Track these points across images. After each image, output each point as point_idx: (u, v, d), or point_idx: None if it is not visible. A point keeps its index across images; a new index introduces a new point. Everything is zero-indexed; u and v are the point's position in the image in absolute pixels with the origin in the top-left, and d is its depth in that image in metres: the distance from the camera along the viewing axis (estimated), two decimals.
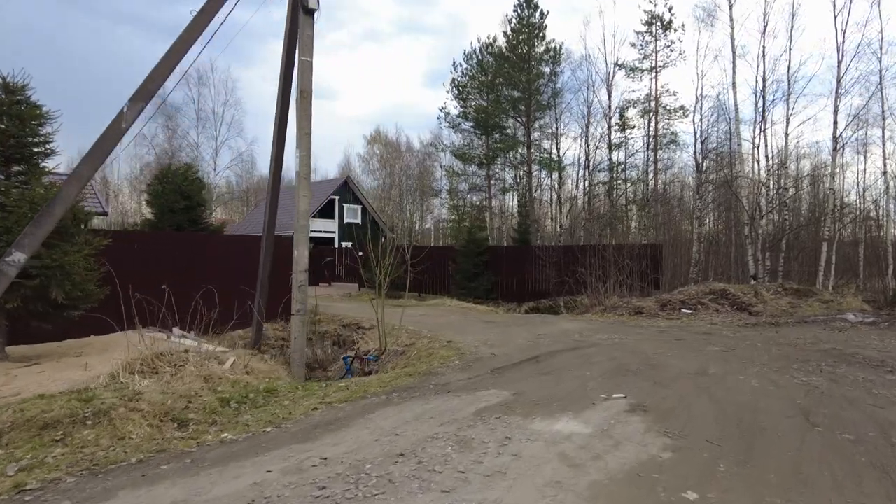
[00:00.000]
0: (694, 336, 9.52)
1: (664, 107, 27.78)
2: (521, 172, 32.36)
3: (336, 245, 37.55)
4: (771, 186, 21.99)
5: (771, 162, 21.64)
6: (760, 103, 20.95)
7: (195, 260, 11.27)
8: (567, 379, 6.21)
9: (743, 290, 15.82)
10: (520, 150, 31.38)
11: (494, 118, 30.33)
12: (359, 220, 42.41)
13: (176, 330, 10.46)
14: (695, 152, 25.23)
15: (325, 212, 40.27)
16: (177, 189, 16.52)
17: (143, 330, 6.48)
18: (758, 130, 21.15)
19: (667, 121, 27.86)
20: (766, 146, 21.39)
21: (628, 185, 29.54)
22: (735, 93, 21.08)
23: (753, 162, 21.77)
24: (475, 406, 5.11)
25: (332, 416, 4.90)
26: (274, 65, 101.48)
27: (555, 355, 7.82)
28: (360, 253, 28.49)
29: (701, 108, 25.05)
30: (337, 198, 40.56)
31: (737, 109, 21.09)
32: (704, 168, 25.00)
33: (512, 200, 42.88)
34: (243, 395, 5.51)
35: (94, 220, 20.53)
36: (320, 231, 39.16)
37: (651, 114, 27.88)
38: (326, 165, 68.76)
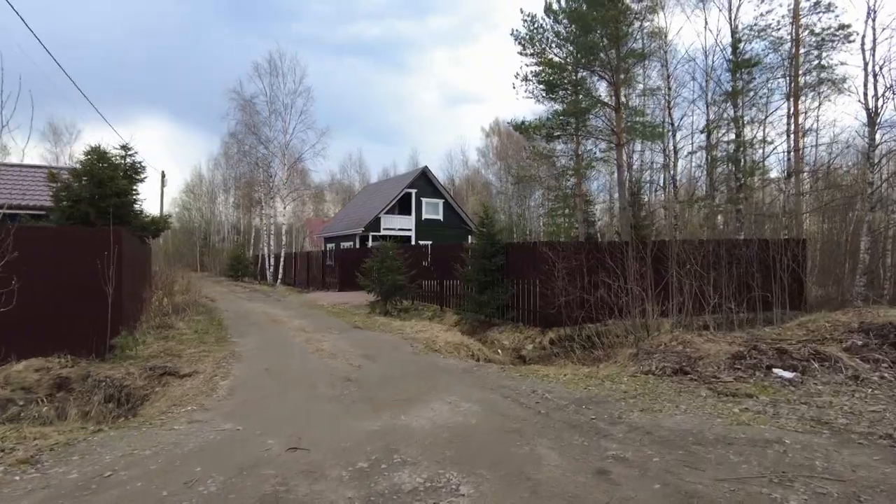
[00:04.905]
0: None
1: (811, 30, 18.23)
2: (609, 145, 24.85)
3: (413, 243, 33.48)
4: None
5: None
6: None
7: None
8: None
9: None
10: (608, 118, 23.91)
11: (569, 76, 23.28)
12: (440, 216, 37.74)
13: None
14: (865, 95, 16.03)
15: (402, 207, 36.44)
16: (87, 173, 13.32)
17: None
18: None
19: (816, 52, 18.25)
20: None
21: (748, 150, 20.37)
22: None
23: None
24: None
25: None
26: (434, 72, 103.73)
27: None
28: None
29: (874, 27, 15.78)
30: (414, 191, 36.44)
31: None
32: (880, 118, 15.73)
33: (611, 186, 34.70)
34: None
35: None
36: (395, 228, 35.30)
37: (791, 43, 18.50)
38: (453, 166, 66.57)
